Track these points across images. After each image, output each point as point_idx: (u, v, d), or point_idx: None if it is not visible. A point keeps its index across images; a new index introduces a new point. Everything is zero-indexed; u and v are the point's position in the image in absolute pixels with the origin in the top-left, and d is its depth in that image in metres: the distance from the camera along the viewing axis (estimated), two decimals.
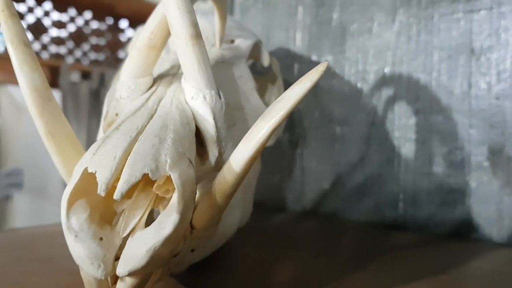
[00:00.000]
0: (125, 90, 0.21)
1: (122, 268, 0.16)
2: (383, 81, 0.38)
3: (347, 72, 0.40)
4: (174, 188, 0.19)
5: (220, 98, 0.21)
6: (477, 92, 0.34)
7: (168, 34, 0.22)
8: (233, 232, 0.27)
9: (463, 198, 0.34)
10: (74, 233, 0.16)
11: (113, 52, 1.54)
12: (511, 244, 0.32)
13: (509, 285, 0.24)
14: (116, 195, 0.16)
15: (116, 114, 0.21)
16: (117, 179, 0.16)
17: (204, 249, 0.23)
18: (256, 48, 0.32)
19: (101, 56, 1.50)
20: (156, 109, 0.20)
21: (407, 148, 0.37)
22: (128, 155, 0.17)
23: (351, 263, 0.28)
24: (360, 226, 0.38)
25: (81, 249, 0.16)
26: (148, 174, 0.17)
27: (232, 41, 0.30)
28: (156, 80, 0.23)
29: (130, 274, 0.16)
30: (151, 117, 0.20)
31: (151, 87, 0.22)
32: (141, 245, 0.16)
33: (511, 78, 0.32)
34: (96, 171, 0.16)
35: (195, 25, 0.20)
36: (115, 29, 1.56)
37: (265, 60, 0.33)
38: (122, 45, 1.57)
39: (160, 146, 0.18)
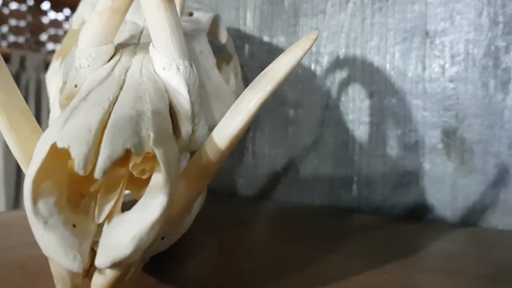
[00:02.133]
0: (85, 58, 0.19)
1: (103, 259, 0.14)
2: (337, 63, 0.37)
3: None
4: (151, 168, 0.17)
5: (193, 70, 0.19)
6: (431, 74, 0.34)
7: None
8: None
9: (417, 180, 0.34)
10: (42, 220, 0.14)
11: (34, 35, 1.45)
12: (465, 224, 0.33)
13: (464, 262, 0.25)
14: (98, 174, 0.13)
15: (75, 86, 0.19)
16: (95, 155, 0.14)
17: (173, 237, 0.21)
18: (214, 23, 0.30)
19: (21, 39, 1.41)
20: (124, 80, 0.18)
21: (361, 131, 0.36)
22: (103, 128, 0.15)
23: (309, 245, 0.27)
24: (315, 210, 0.37)
25: (52, 238, 0.14)
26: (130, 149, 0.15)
27: (191, 14, 0.28)
28: (118, 49, 0.20)
29: (113, 266, 0.14)
30: (121, 88, 0.17)
31: (113, 56, 0.20)
32: (124, 232, 0.14)
33: (465, 61, 0.33)
34: (69, 146, 0.14)
35: None
36: (37, 11, 1.46)
37: (223, 37, 0.31)
38: (44, 27, 1.48)
39: (139, 119, 0.16)
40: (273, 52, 0.40)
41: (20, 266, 0.22)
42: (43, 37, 1.46)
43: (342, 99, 0.37)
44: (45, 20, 1.47)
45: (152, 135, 0.15)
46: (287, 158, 0.40)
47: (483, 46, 0.32)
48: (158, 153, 0.15)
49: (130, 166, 0.16)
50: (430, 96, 0.34)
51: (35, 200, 0.14)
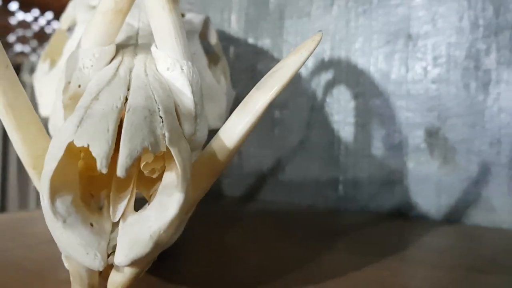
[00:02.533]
0: (89, 58, 0.19)
1: (123, 256, 0.14)
2: (323, 65, 0.38)
3: (285, 55, 0.39)
4: (161, 168, 0.17)
5: (196, 70, 0.20)
6: (414, 76, 0.35)
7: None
8: None
9: (402, 178, 0.35)
10: (61, 219, 0.14)
11: (1, 36, 1.41)
12: (449, 221, 0.34)
13: (453, 255, 0.25)
14: (121, 172, 0.13)
15: (79, 86, 0.19)
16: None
17: (175, 236, 0.21)
18: (205, 25, 0.30)
19: None
20: (130, 80, 0.18)
21: (347, 131, 0.37)
22: (119, 128, 0.15)
23: (303, 244, 0.27)
24: (303, 209, 0.37)
25: (72, 237, 0.14)
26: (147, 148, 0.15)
27: (183, 15, 0.28)
28: (118, 50, 0.20)
29: (133, 263, 0.14)
30: (128, 88, 0.18)
31: (114, 57, 0.20)
32: (143, 230, 0.14)
33: (447, 64, 0.34)
34: (88, 145, 0.14)
35: None
36: (4, 12, 1.43)
37: (213, 38, 0.31)
38: (11, 28, 1.45)
39: (152, 118, 0.16)
40: (259, 54, 0.40)
41: (20, 268, 0.21)
42: (11, 38, 1.43)
43: (328, 100, 0.38)
44: (12, 21, 1.44)
45: (167, 134, 0.16)
46: (273, 159, 0.40)
47: (464, 49, 0.33)
48: (173, 151, 0.15)
49: (142, 165, 0.16)
50: (413, 97, 0.35)
51: (52, 199, 0.14)
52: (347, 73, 0.37)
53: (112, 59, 0.20)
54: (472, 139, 0.33)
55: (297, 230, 0.31)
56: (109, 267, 0.16)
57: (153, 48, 0.19)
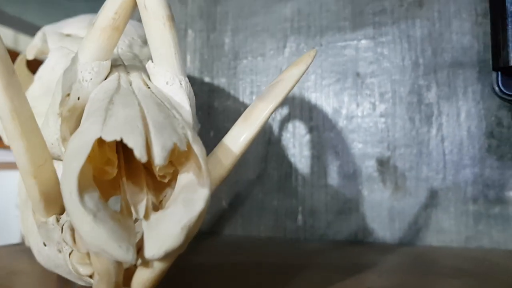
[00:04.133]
0: (88, 71, 0.19)
1: (156, 249, 0.14)
2: None
3: (241, 93, 0.41)
4: (173, 172, 0.18)
5: (191, 86, 0.21)
6: (363, 111, 0.38)
7: (129, 16, 0.21)
8: None
9: (357, 206, 0.37)
10: (91, 213, 0.14)
11: None
12: (403, 243, 0.36)
13: (409, 275, 0.27)
14: (160, 161, 0.14)
15: (78, 98, 0.19)
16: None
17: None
18: None
19: None
20: (133, 91, 0.19)
21: (303, 163, 0.39)
22: (145, 126, 0.15)
23: (268, 275, 0.28)
24: (263, 241, 0.38)
25: (103, 231, 0.14)
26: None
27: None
28: (111, 68, 0.21)
29: (163, 257, 0.14)
30: (136, 98, 0.18)
31: (109, 73, 0.20)
32: (173, 224, 0.15)
33: (393, 99, 0.37)
34: (122, 138, 0.14)
35: (170, 7, 0.20)
36: None
37: None
38: None
39: (171, 120, 0.17)
40: (215, 91, 0.42)
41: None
42: None
43: (284, 134, 0.40)
44: None
45: (189, 133, 0.16)
46: (232, 193, 0.41)
47: (407, 85, 0.37)
48: (196, 149, 0.16)
49: (158, 168, 0.17)
50: (364, 130, 0.38)
51: (81, 193, 0.14)
52: (301, 109, 0.39)
53: (108, 75, 0.20)
54: (419, 166, 0.36)
55: (259, 262, 0.32)
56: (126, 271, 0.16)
57: (149, 64, 0.20)
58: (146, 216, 0.16)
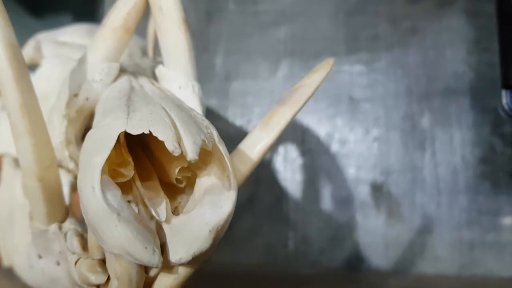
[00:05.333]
0: (98, 72, 0.18)
1: (183, 252, 0.13)
2: None
3: (232, 114, 0.40)
4: (190, 177, 0.17)
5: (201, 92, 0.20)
6: (356, 136, 0.38)
7: (140, 18, 0.20)
8: None
9: (350, 232, 0.36)
10: (115, 211, 0.13)
11: None
12: (397, 271, 0.35)
13: None
14: (193, 155, 0.13)
15: (87, 99, 0.18)
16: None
17: None
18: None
19: None
20: (147, 93, 0.18)
21: (295, 187, 0.38)
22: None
23: None
24: (252, 268, 0.37)
25: (127, 231, 0.13)
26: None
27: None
28: (119, 73, 0.20)
29: (192, 260, 0.13)
30: (153, 98, 0.17)
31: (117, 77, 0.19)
32: (200, 226, 0.14)
33: (386, 124, 0.37)
34: (150, 131, 0.13)
35: (183, 10, 0.19)
36: None
37: None
38: None
39: (195, 119, 0.16)
40: (206, 113, 0.41)
41: None
42: None
43: (276, 158, 0.39)
44: None
45: (214, 132, 0.15)
46: None
47: (401, 111, 0.37)
48: (222, 149, 0.15)
49: (177, 171, 0.16)
50: (357, 155, 0.37)
51: (104, 190, 0.13)
52: (293, 132, 0.39)
53: (116, 78, 0.19)
54: (413, 192, 0.36)
55: None
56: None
57: (161, 68, 0.19)
58: (167, 220, 0.15)
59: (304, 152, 0.38)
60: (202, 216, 0.14)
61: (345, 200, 0.37)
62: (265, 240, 0.38)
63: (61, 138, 0.18)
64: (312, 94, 0.19)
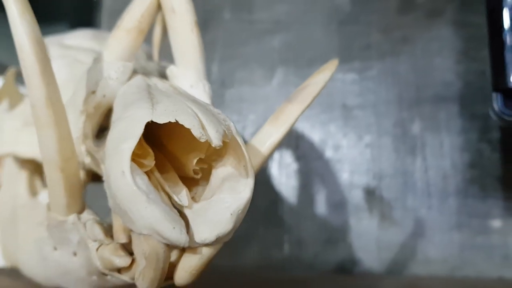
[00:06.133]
0: (114, 70, 0.19)
1: (208, 234, 0.14)
2: None
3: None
4: (206, 169, 0.17)
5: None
6: (349, 142, 0.39)
7: (153, 20, 0.21)
8: None
9: (344, 235, 0.37)
10: (145, 193, 0.14)
11: None
12: (390, 273, 0.36)
13: None
14: (218, 141, 0.14)
15: (104, 96, 0.19)
16: None
17: None
18: None
19: None
20: (162, 89, 0.19)
21: (290, 192, 0.39)
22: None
23: None
24: (247, 271, 0.37)
25: (156, 211, 0.13)
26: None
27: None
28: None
29: (216, 241, 0.14)
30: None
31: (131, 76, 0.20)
32: (222, 210, 0.15)
33: (378, 130, 0.38)
34: (177, 120, 0.14)
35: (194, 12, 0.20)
36: None
37: None
38: None
39: (212, 112, 0.16)
40: None
41: None
42: None
43: (270, 163, 0.40)
44: None
45: (231, 124, 0.16)
46: None
47: (392, 118, 0.38)
48: (240, 140, 0.16)
49: (195, 161, 0.17)
50: (350, 160, 0.38)
51: (133, 175, 0.14)
52: (288, 137, 0.40)
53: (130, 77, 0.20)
54: (405, 196, 0.37)
55: None
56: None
57: (172, 68, 0.20)
58: (189, 206, 0.16)
59: (298, 158, 0.39)
60: (223, 201, 0.15)
61: (338, 204, 0.38)
62: (260, 243, 0.39)
63: (77, 133, 0.19)
64: (319, 92, 0.19)
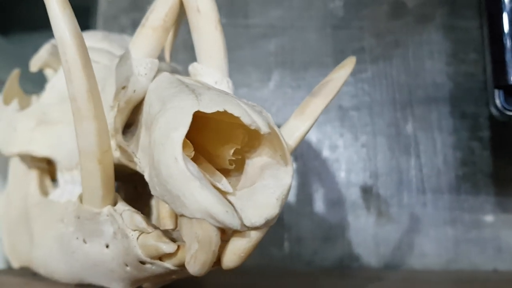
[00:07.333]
0: (143, 67, 0.20)
1: (257, 217, 0.15)
2: None
3: None
4: (239, 160, 0.18)
5: None
6: (345, 141, 0.40)
7: (176, 19, 0.21)
8: None
9: (343, 232, 0.38)
10: (197, 178, 0.14)
11: None
12: (388, 268, 0.37)
13: None
14: (266, 129, 0.15)
15: (134, 91, 0.19)
16: None
17: None
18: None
19: None
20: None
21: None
22: None
23: None
24: (248, 270, 0.38)
25: (209, 196, 0.14)
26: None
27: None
28: None
29: (265, 224, 0.15)
30: None
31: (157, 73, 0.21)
32: (268, 195, 0.16)
33: (373, 130, 0.39)
34: (225, 109, 0.15)
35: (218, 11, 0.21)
36: None
37: None
38: None
39: (249, 104, 0.17)
40: None
41: None
42: None
43: None
44: None
45: (269, 115, 0.17)
46: None
47: (386, 118, 0.39)
48: (277, 130, 0.17)
49: (232, 152, 0.17)
50: (346, 159, 0.39)
51: (185, 161, 0.14)
52: None
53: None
54: (401, 193, 0.38)
55: None
56: None
57: (196, 65, 0.21)
58: (233, 193, 0.16)
59: (296, 158, 0.40)
60: (266, 187, 0.16)
61: (336, 202, 0.39)
62: (260, 242, 0.39)
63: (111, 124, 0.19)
64: (341, 86, 0.20)
